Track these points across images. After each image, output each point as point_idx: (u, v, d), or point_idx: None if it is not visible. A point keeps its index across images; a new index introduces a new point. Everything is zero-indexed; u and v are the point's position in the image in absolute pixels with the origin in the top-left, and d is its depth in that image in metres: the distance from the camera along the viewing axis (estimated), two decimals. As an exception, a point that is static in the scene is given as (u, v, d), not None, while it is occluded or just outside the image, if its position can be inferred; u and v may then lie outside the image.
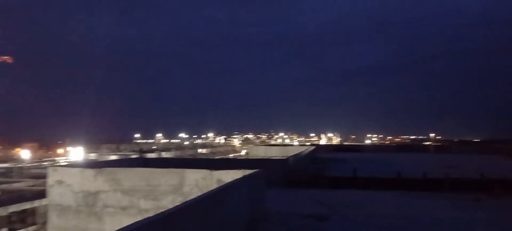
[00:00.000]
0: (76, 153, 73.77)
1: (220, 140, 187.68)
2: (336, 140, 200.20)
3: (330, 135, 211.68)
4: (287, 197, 14.02)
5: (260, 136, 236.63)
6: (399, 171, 18.39)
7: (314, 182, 17.35)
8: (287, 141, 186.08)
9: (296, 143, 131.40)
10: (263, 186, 10.82)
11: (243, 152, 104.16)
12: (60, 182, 10.66)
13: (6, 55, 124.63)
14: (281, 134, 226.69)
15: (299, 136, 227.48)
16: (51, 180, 10.76)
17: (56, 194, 10.68)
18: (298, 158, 24.55)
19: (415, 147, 64.36)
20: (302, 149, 37.38)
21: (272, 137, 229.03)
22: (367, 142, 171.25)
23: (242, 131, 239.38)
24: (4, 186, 36.68)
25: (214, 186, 9.56)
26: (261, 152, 38.62)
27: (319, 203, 12.82)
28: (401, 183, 16.78)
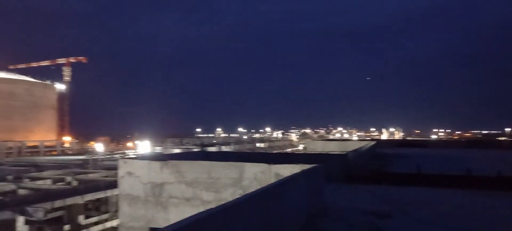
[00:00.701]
0: (143, 146, 78.42)
1: (278, 134, 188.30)
2: (398, 135, 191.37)
3: (392, 129, 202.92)
4: (347, 193, 13.76)
5: (318, 130, 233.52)
6: (469, 168, 17.15)
7: (375, 178, 16.80)
8: (346, 136, 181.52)
9: (355, 138, 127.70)
10: (322, 181, 10.73)
11: (300, 147, 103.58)
12: (129, 173, 11.45)
13: (81, 56, 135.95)
14: (339, 129, 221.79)
15: (359, 130, 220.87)
16: (121, 171, 11.60)
17: (126, 185, 11.50)
18: (358, 153, 23.90)
19: (487, 143, 59.44)
20: (362, 144, 36.28)
21: (331, 131, 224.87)
22: (433, 137, 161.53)
23: (299, 126, 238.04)
24: (81, 176, 40.08)
25: (272, 180, 9.68)
26: (319, 147, 38.13)
27: (381, 200, 12.41)
28: (471, 181, 15.64)
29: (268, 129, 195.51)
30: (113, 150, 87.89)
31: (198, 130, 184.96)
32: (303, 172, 9.26)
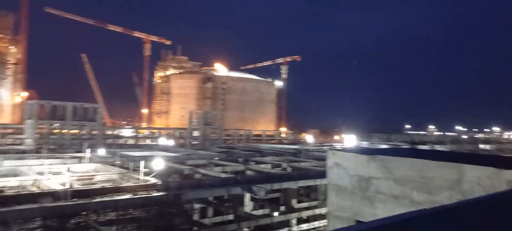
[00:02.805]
0: (350, 139, 79.55)
1: (510, 135, 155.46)
2: None
3: None
4: None
5: None
6: None
7: None
8: None
9: None
10: None
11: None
12: (337, 165, 11.88)
13: (296, 55, 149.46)
14: None
15: None
16: (330, 161, 12.15)
17: (334, 175, 11.98)
18: None
19: None
20: None
21: None
22: None
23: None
24: (294, 164, 44.16)
25: (503, 187, 8.12)
26: None
27: None
28: None
29: (496, 129, 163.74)
30: (322, 142, 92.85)
31: (407, 126, 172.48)
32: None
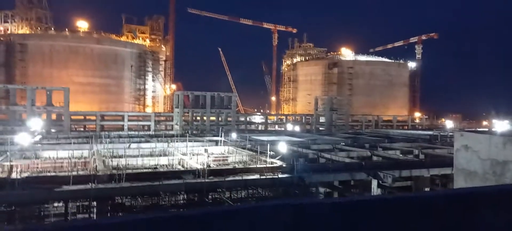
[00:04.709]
0: (500, 125, 68.98)
1: None
2: None
3: None
4: None
5: None
6: None
7: None
8: None
9: None
10: None
11: None
12: (466, 147, 10.78)
13: (432, 32, 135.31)
14: None
15: None
16: (457, 144, 11.10)
17: (462, 159, 10.92)
18: None
19: None
20: None
21: None
22: None
23: None
24: (428, 151, 40.70)
25: None
26: None
27: None
28: None
29: None
30: (464, 128, 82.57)
31: None
32: None
